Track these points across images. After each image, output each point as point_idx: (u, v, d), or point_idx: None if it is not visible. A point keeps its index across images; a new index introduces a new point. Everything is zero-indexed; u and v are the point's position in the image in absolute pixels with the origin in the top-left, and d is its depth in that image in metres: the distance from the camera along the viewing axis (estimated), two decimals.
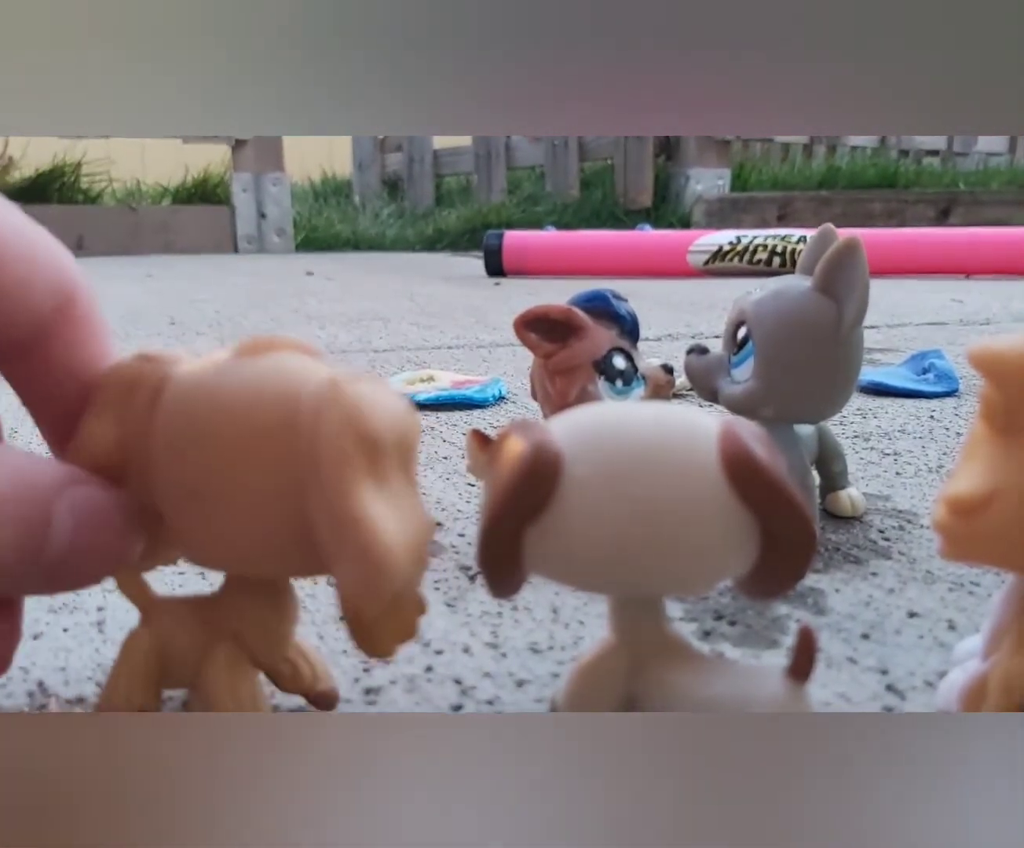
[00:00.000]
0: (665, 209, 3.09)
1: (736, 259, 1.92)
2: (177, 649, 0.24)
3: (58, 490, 0.21)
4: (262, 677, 0.25)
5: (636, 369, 0.41)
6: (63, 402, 0.23)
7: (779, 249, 1.90)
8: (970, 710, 0.23)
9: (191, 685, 0.25)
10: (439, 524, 0.42)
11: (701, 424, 0.21)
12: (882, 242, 1.85)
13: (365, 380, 0.21)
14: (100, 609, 0.33)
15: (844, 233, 0.37)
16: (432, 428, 0.61)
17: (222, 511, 0.21)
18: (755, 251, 1.91)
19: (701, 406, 0.57)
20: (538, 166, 3.47)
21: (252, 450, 0.21)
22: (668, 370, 0.43)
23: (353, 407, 0.20)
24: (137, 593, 0.25)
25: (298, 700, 0.27)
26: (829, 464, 0.42)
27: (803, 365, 0.36)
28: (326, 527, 0.20)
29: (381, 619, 0.22)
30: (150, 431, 0.22)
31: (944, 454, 0.54)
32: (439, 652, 0.30)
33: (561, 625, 0.32)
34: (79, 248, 2.86)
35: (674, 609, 0.33)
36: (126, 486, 0.23)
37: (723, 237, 1.96)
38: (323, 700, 0.26)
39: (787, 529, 0.20)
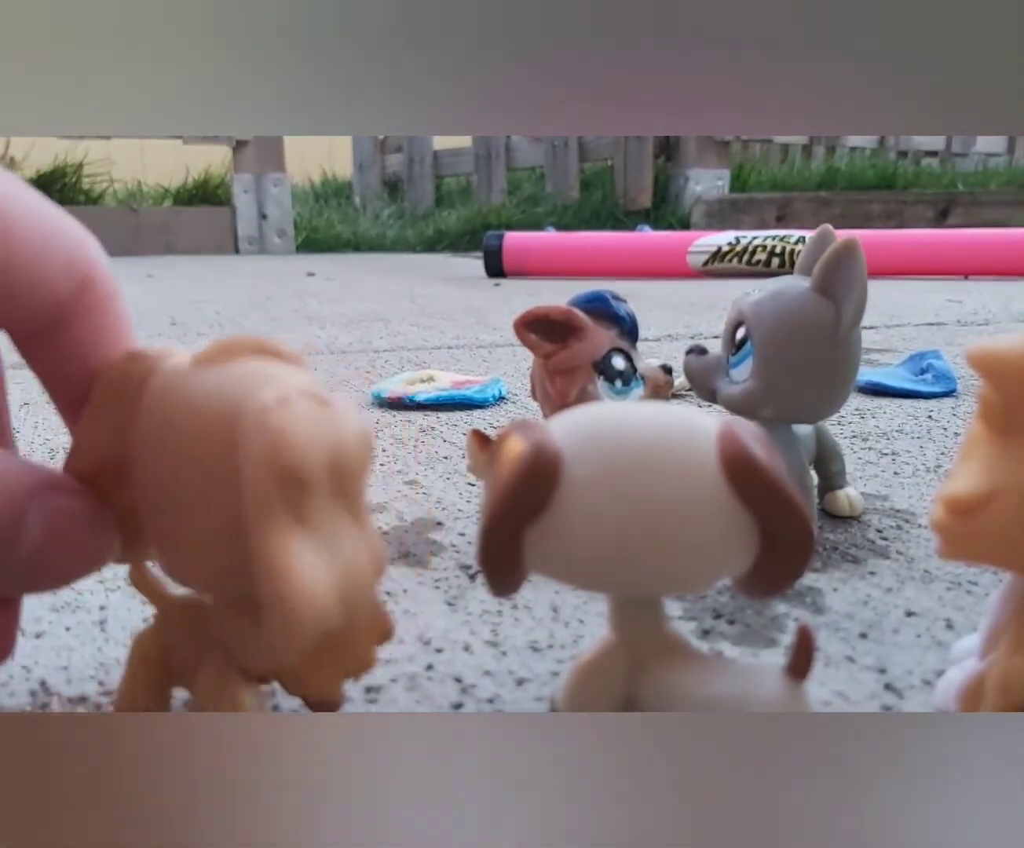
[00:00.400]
0: (664, 210, 3.09)
1: (735, 260, 1.92)
2: (177, 649, 0.24)
3: (31, 495, 0.21)
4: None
5: (635, 369, 0.41)
6: (83, 387, 0.23)
7: (778, 250, 1.90)
8: (968, 709, 0.23)
9: (189, 688, 0.25)
10: (439, 523, 0.42)
11: (700, 424, 0.21)
12: (881, 243, 1.85)
13: (305, 400, 0.19)
14: (102, 608, 0.34)
15: (843, 234, 0.37)
16: (432, 428, 0.61)
17: (176, 527, 0.21)
18: (754, 252, 1.91)
19: (700, 406, 0.57)
20: (538, 167, 3.48)
21: (195, 468, 0.20)
22: (667, 370, 0.43)
23: (276, 439, 0.18)
24: (149, 589, 0.25)
25: (299, 699, 0.27)
26: (827, 464, 0.42)
27: (801, 365, 0.37)
28: (254, 559, 0.19)
29: (309, 663, 0.21)
30: (134, 432, 0.22)
31: (942, 454, 0.54)
32: (439, 650, 0.30)
33: (561, 624, 0.32)
34: None
35: (673, 608, 0.33)
36: (125, 485, 0.23)
37: (722, 238, 1.97)
38: (326, 704, 0.26)
39: (785, 528, 0.21)
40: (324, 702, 0.25)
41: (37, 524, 0.21)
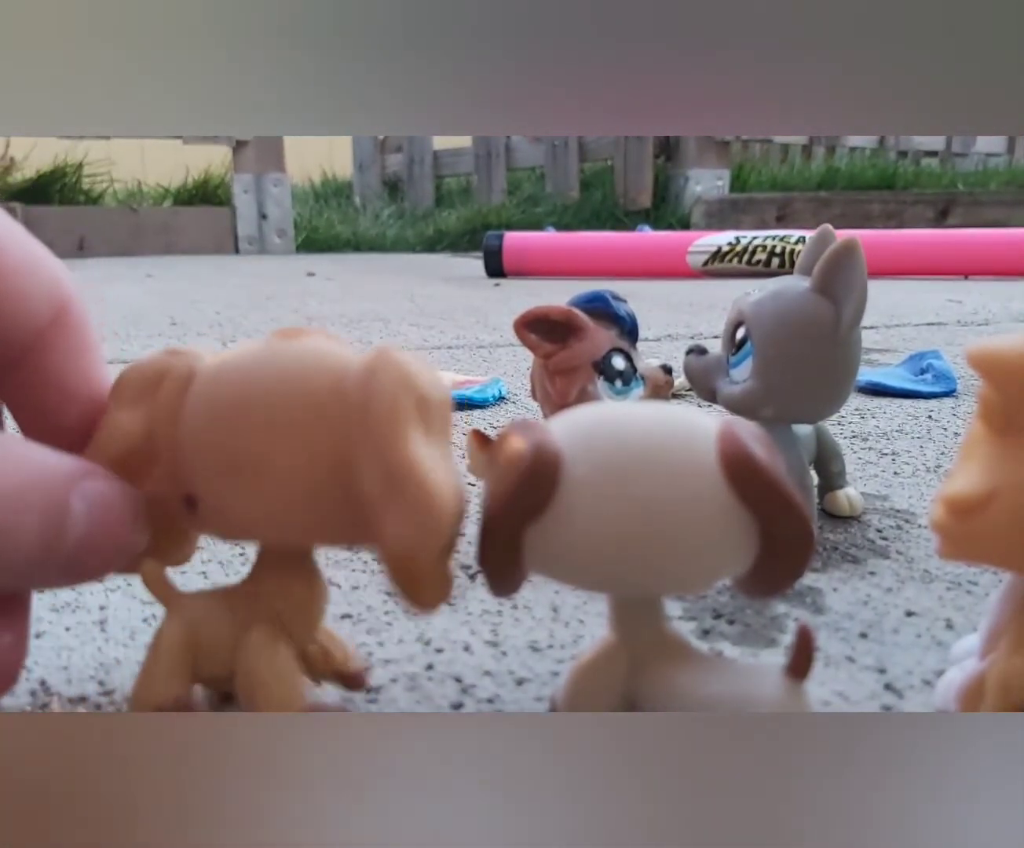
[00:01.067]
0: (664, 210, 3.09)
1: (735, 260, 1.92)
2: (208, 640, 0.25)
3: (73, 481, 0.21)
4: None
5: (635, 369, 0.41)
6: (56, 415, 0.24)
7: (778, 250, 1.90)
8: (968, 709, 0.23)
9: (223, 677, 0.25)
10: None
11: (700, 424, 0.21)
12: (881, 243, 1.85)
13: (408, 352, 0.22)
14: (102, 608, 0.34)
15: (843, 234, 0.37)
16: None
17: (265, 481, 0.22)
18: (754, 252, 1.91)
19: (700, 406, 0.57)
20: (538, 167, 3.47)
21: (297, 420, 0.22)
22: (667, 370, 0.43)
23: (405, 367, 0.21)
24: (162, 589, 0.26)
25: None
26: (827, 464, 0.42)
27: (801, 365, 0.37)
28: (378, 480, 0.21)
29: (430, 569, 0.22)
30: (179, 419, 0.23)
31: (942, 454, 0.54)
32: (439, 650, 0.30)
33: (561, 624, 0.32)
34: (80, 249, 2.86)
35: (673, 608, 0.33)
36: (149, 478, 0.23)
37: (722, 238, 1.97)
38: (357, 679, 0.27)
39: (785, 529, 0.21)
40: (356, 678, 0.27)
41: (82, 511, 0.21)
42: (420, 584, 0.22)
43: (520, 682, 0.28)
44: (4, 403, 0.24)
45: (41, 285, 0.22)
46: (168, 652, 0.24)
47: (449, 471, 0.22)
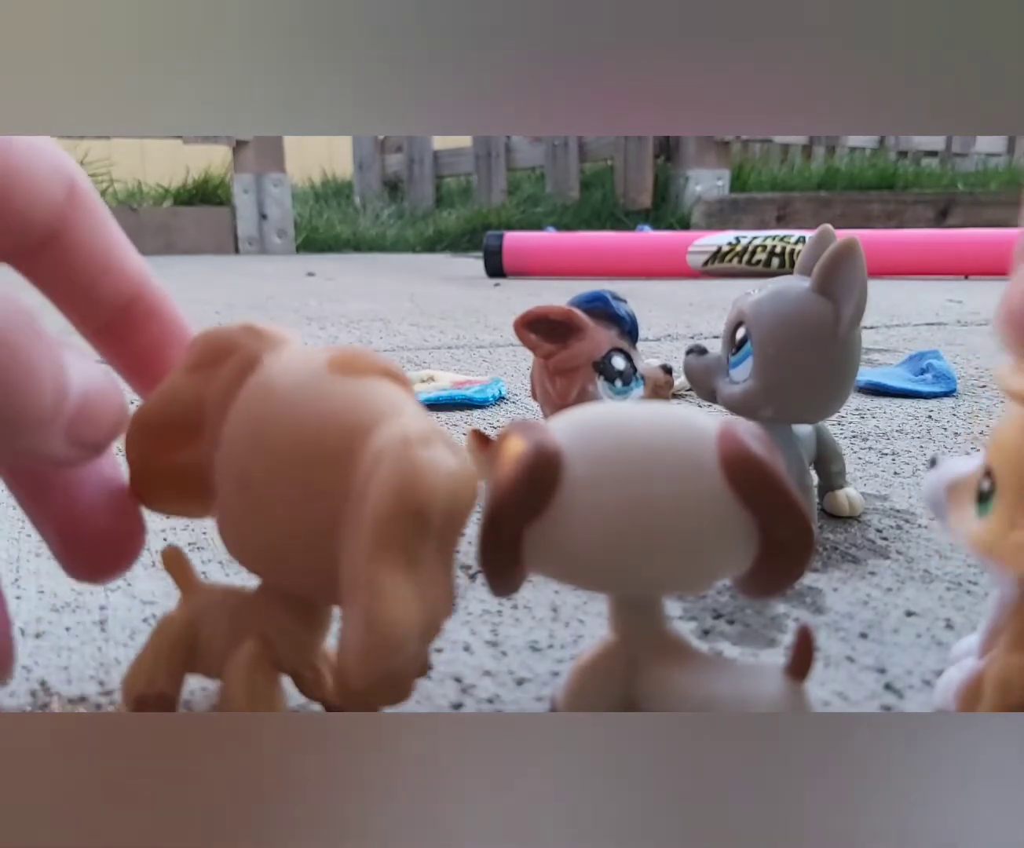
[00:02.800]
0: (665, 210, 3.09)
1: (735, 260, 1.92)
2: (206, 637, 0.24)
3: (62, 354, 0.20)
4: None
5: (635, 369, 0.41)
6: (92, 290, 0.24)
7: (778, 250, 1.90)
8: (967, 709, 0.23)
9: (215, 675, 0.25)
10: None
11: (700, 424, 0.21)
12: (881, 243, 1.85)
13: (438, 444, 0.20)
14: (102, 608, 0.34)
15: (843, 234, 0.37)
16: None
17: (263, 511, 0.21)
18: (754, 252, 1.91)
19: (700, 406, 0.57)
20: (538, 167, 3.47)
21: (310, 466, 0.21)
22: (667, 370, 0.43)
23: (414, 476, 0.19)
24: (180, 572, 0.25)
25: (299, 698, 0.27)
26: (827, 464, 0.42)
27: (801, 365, 0.37)
28: (346, 577, 0.20)
29: (364, 685, 0.21)
30: (230, 404, 0.22)
31: (942, 454, 0.54)
32: (439, 650, 0.30)
33: (561, 623, 0.32)
34: None
35: (673, 608, 0.33)
36: (190, 447, 0.23)
37: (722, 238, 1.97)
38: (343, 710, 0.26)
39: (785, 529, 0.21)
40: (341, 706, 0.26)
41: (78, 383, 0.20)
42: (352, 692, 0.22)
43: (520, 682, 0.28)
44: (41, 290, 0.24)
45: (50, 163, 0.22)
46: (162, 646, 0.24)
47: (429, 597, 0.20)
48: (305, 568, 0.21)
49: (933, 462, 0.24)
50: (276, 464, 0.21)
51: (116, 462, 0.25)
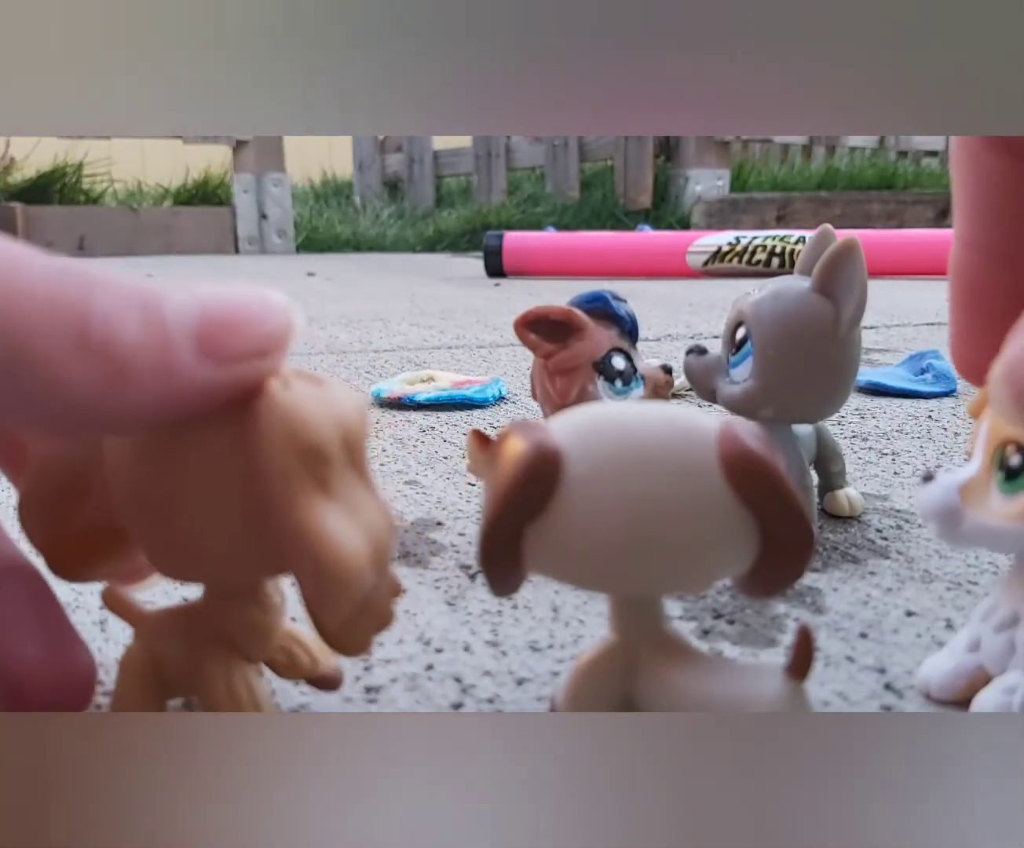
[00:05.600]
0: (664, 210, 3.09)
1: (735, 260, 1.92)
2: (170, 660, 0.24)
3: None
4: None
5: (635, 369, 0.41)
6: None
7: (778, 250, 1.90)
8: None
9: (191, 693, 0.25)
10: (439, 523, 0.42)
11: (700, 424, 0.21)
12: (880, 243, 1.85)
13: (304, 381, 0.20)
14: (102, 608, 0.33)
15: (843, 234, 0.37)
16: (432, 428, 0.61)
17: (177, 521, 0.21)
18: (754, 252, 1.91)
19: (700, 406, 0.57)
20: (538, 167, 3.47)
21: (210, 461, 0.20)
22: (667, 370, 0.43)
23: (292, 417, 0.19)
24: (122, 608, 0.26)
25: (298, 699, 0.27)
26: (827, 464, 0.42)
27: (801, 365, 0.37)
28: (284, 539, 0.20)
29: (348, 622, 0.21)
30: (110, 447, 0.22)
31: (942, 454, 0.54)
32: (439, 650, 0.30)
33: (561, 623, 0.32)
34: (80, 249, 2.86)
35: (673, 608, 0.33)
36: (83, 507, 0.23)
37: (722, 238, 1.97)
38: (325, 682, 0.26)
39: (786, 528, 0.20)
40: (327, 681, 0.26)
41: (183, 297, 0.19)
42: (339, 636, 0.22)
43: (520, 682, 0.28)
44: None
45: None
46: (134, 675, 0.24)
47: (361, 517, 0.20)
48: (239, 554, 0.21)
49: (928, 477, 0.24)
50: (174, 486, 0.21)
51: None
